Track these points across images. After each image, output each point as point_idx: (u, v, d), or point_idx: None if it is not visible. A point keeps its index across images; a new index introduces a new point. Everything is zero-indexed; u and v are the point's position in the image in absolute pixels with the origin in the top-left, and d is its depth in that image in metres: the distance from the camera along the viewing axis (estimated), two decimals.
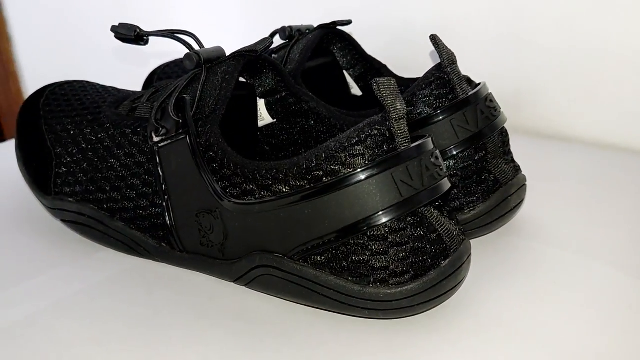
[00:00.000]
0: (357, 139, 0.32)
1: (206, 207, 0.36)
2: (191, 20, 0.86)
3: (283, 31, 0.49)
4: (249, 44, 0.39)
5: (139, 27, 0.42)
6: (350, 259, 0.32)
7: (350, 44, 0.50)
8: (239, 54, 0.39)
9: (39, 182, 0.45)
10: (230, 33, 0.83)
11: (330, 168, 0.32)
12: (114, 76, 0.66)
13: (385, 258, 0.32)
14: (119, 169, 0.41)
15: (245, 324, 0.34)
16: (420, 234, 0.32)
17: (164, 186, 0.39)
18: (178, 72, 0.60)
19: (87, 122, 0.44)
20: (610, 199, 0.48)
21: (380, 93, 0.33)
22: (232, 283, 0.38)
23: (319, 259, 0.33)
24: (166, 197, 0.38)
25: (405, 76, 0.50)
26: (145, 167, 0.40)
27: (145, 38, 0.43)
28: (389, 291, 0.32)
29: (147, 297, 0.37)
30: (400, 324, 0.34)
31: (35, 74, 0.89)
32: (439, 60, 0.40)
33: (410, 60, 0.56)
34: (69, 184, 0.43)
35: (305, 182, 0.33)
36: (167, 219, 0.39)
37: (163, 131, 0.38)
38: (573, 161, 0.56)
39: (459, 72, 0.40)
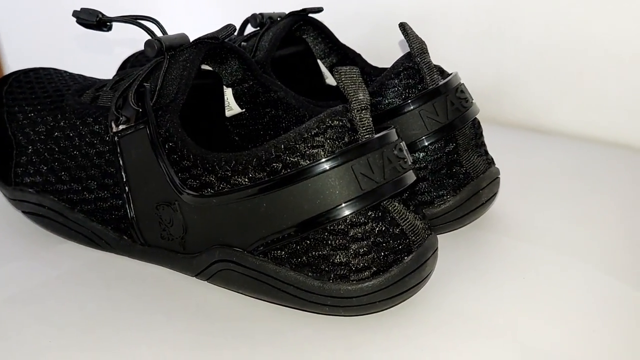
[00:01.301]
0: (317, 129, 0.31)
1: (165, 199, 0.35)
2: (162, 6, 0.84)
3: (254, 18, 0.48)
4: (208, 34, 0.38)
5: (101, 12, 0.41)
6: (310, 254, 0.31)
7: (322, 32, 0.49)
8: (199, 41, 0.37)
9: (2, 172, 0.43)
10: (203, 20, 0.81)
11: (290, 160, 0.31)
12: (81, 64, 0.64)
13: (345, 253, 0.31)
14: (80, 159, 0.40)
15: (204, 320, 0.33)
16: (382, 228, 0.31)
17: (124, 177, 0.37)
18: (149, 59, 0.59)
19: (49, 111, 0.43)
20: (586, 192, 0.47)
21: (342, 82, 0.32)
22: (194, 278, 0.37)
23: (278, 253, 0.32)
24: (127, 188, 0.37)
25: (380, 66, 0.49)
26: (106, 157, 0.39)
27: (108, 24, 0.42)
28: (350, 287, 0.31)
29: (106, 291, 0.36)
30: (360, 320, 0.33)
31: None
32: (408, 50, 0.39)
33: (386, 50, 0.55)
34: (29, 174, 0.42)
35: (264, 174, 0.32)
36: (128, 211, 0.38)
37: (123, 120, 0.37)
38: (551, 154, 0.55)
39: (430, 62, 0.38)
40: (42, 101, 0.44)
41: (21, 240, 0.42)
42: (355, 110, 0.31)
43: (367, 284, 0.31)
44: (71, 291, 0.36)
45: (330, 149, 0.31)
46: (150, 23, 0.40)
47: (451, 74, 0.40)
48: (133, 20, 0.40)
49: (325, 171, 0.30)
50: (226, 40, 0.40)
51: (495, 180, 0.41)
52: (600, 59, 0.55)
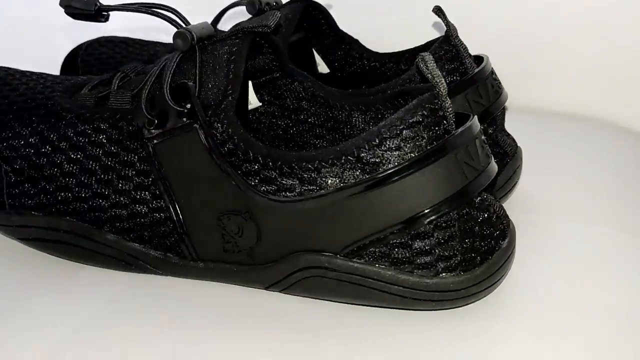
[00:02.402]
0: (411, 119, 0.30)
1: (232, 208, 0.32)
2: None
3: (252, 4, 0.44)
4: (253, 20, 0.34)
5: (98, 1, 0.36)
6: (414, 251, 0.30)
7: (323, 15, 0.47)
8: (244, 31, 0.34)
9: None
10: (188, 6, 0.72)
11: (388, 154, 0.29)
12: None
13: (452, 245, 0.30)
14: (100, 172, 0.34)
15: (283, 330, 0.31)
16: (485, 216, 0.31)
17: (167, 188, 0.33)
18: (109, 53, 0.52)
19: (40, 118, 0.36)
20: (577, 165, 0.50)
21: (427, 68, 0.31)
22: (257, 289, 0.34)
23: (377, 253, 0.30)
24: (172, 200, 0.33)
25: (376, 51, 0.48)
26: (137, 167, 0.34)
27: (104, 13, 0.36)
28: (458, 279, 0.30)
29: (163, 313, 0.32)
30: (457, 311, 0.32)
31: None
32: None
33: (379, 36, 0.54)
34: (30, 195, 0.35)
35: (359, 171, 0.30)
36: (177, 225, 0.33)
37: (162, 124, 0.33)
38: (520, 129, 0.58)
39: (465, 45, 0.39)
40: (23, 106, 0.37)
41: (30, 274, 0.35)
42: (443, 97, 0.30)
43: (474, 273, 0.30)
44: (130, 322, 0.31)
45: (428, 140, 0.29)
46: (167, 13, 0.35)
47: (478, 56, 0.40)
48: (148, 9, 0.35)
49: (431, 163, 0.29)
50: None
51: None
52: (567, 33, 0.58)
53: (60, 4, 0.36)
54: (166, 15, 0.35)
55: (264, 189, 0.31)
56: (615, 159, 0.50)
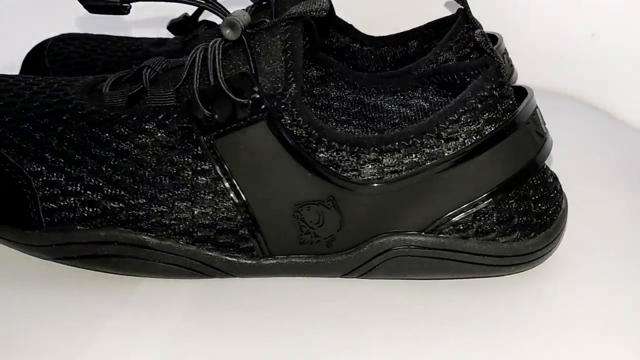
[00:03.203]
0: (482, 93, 0.31)
1: (311, 198, 0.31)
2: None
3: None
4: (301, 5, 0.33)
5: None
6: (496, 220, 0.31)
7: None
8: (293, 17, 0.33)
9: (6, 216, 0.32)
10: None
11: (466, 128, 0.30)
12: None
13: (529, 210, 0.32)
14: (153, 176, 0.32)
15: (374, 314, 0.31)
16: (549, 180, 0.33)
17: (232, 185, 0.31)
18: (81, 51, 0.48)
19: (65, 124, 0.33)
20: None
21: (488, 46, 0.32)
22: (337, 278, 0.33)
23: (461, 226, 0.31)
24: (239, 197, 0.31)
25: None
26: (195, 166, 0.32)
27: (127, 5, 0.34)
28: (535, 241, 0.32)
29: (247, 314, 0.30)
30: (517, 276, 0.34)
31: None
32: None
33: (371, 21, 0.54)
34: (71, 208, 0.32)
35: (441, 147, 0.30)
36: (246, 223, 0.32)
37: (219, 118, 0.31)
38: None
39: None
40: (38, 113, 0.33)
41: (88, 297, 0.32)
42: (504, 69, 0.32)
43: (546, 233, 0.32)
44: (216, 331, 0.30)
45: (504, 111, 0.31)
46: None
47: (496, 34, 0.42)
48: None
49: (510, 133, 0.31)
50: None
51: None
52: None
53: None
54: (214, 4, 0.33)
55: (346, 175, 0.31)
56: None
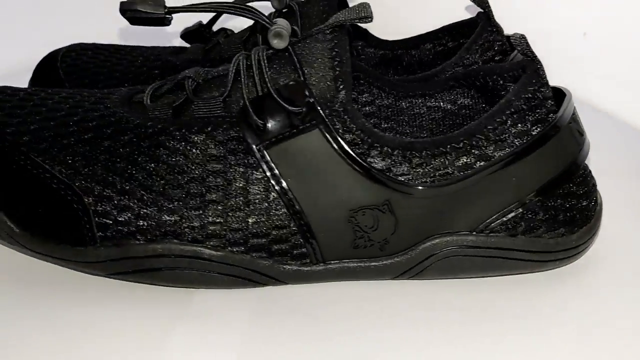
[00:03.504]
0: (526, 95, 0.32)
1: (367, 203, 0.31)
2: None
3: (278, 0, 0.43)
4: (345, 12, 0.34)
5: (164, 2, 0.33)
6: (543, 217, 0.33)
7: (334, 7, 0.47)
8: (338, 25, 0.33)
9: (56, 233, 0.31)
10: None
11: (513, 130, 0.32)
12: None
13: (573, 206, 0.33)
14: (207, 188, 0.32)
15: (432, 314, 0.32)
16: (588, 178, 0.34)
17: (286, 193, 0.32)
18: (100, 57, 0.47)
19: (111, 138, 0.32)
20: None
21: (527, 47, 0.33)
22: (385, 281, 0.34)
23: (510, 224, 0.32)
24: (292, 205, 0.32)
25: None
26: (248, 176, 0.32)
27: (169, 16, 0.34)
28: (578, 235, 0.33)
29: (312, 321, 0.31)
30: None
31: None
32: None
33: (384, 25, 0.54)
34: (126, 223, 0.31)
35: (491, 149, 0.31)
36: (300, 230, 0.32)
37: (272, 127, 0.31)
38: None
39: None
40: (80, 127, 0.33)
41: (141, 311, 0.31)
42: (543, 72, 0.33)
43: (588, 227, 0.34)
44: (287, 337, 0.30)
45: (548, 111, 0.32)
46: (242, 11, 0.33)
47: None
48: (225, 8, 0.33)
49: (555, 133, 0.32)
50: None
51: None
52: None
53: (122, 9, 0.33)
54: (252, 13, 0.33)
55: (400, 179, 0.31)
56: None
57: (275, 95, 0.31)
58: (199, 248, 0.32)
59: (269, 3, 0.44)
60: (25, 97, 0.35)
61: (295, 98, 0.31)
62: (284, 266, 0.33)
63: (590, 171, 0.34)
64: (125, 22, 0.34)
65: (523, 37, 0.33)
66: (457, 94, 0.39)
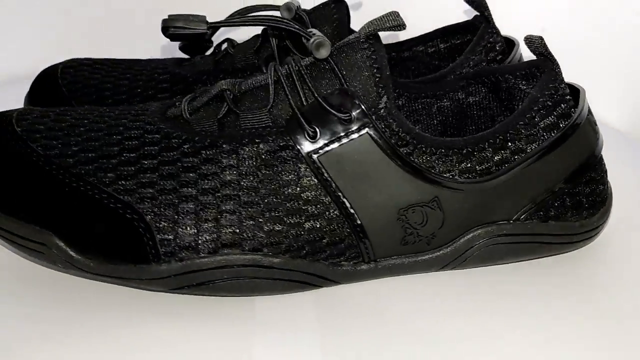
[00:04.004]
0: (549, 92, 0.35)
1: (416, 201, 0.33)
2: None
3: (288, 9, 0.44)
4: (378, 21, 0.35)
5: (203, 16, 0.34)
6: (569, 202, 0.36)
7: (344, 13, 0.48)
8: (374, 33, 0.34)
9: (117, 253, 0.31)
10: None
11: (542, 124, 0.34)
12: None
13: (595, 190, 0.36)
14: (263, 200, 0.32)
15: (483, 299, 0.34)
16: (603, 163, 0.37)
17: (338, 197, 0.33)
18: (101, 72, 0.46)
19: (161, 157, 0.33)
20: None
21: (544, 49, 0.36)
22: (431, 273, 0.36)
23: (543, 210, 0.35)
24: (345, 208, 0.33)
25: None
26: (301, 184, 0.33)
27: (209, 32, 0.34)
28: (597, 217, 0.37)
29: (379, 316, 0.32)
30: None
31: None
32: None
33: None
34: (188, 238, 0.31)
35: (523, 143, 0.34)
36: (353, 231, 0.33)
37: (322, 134, 0.32)
38: None
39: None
40: (126, 147, 0.33)
41: (210, 324, 0.31)
42: (560, 70, 0.36)
43: (606, 209, 0.37)
44: (360, 334, 0.31)
45: (569, 106, 0.35)
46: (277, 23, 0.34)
47: (512, 38, 0.47)
48: (270, 21, 0.34)
49: (580, 124, 0.35)
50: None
51: None
52: None
53: (164, 27, 0.33)
54: (290, 25, 0.34)
55: (446, 176, 0.33)
56: None
57: (324, 104, 0.33)
58: (259, 256, 0.33)
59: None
60: (58, 118, 0.34)
61: (343, 105, 0.33)
62: (339, 267, 0.34)
63: (602, 157, 0.38)
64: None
65: (540, 38, 0.36)
66: (468, 93, 0.41)
